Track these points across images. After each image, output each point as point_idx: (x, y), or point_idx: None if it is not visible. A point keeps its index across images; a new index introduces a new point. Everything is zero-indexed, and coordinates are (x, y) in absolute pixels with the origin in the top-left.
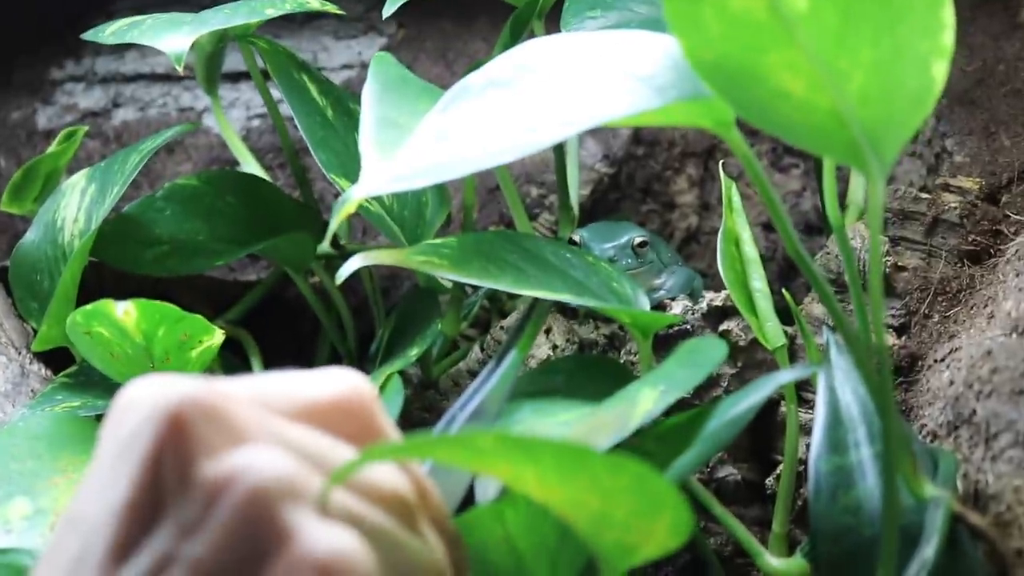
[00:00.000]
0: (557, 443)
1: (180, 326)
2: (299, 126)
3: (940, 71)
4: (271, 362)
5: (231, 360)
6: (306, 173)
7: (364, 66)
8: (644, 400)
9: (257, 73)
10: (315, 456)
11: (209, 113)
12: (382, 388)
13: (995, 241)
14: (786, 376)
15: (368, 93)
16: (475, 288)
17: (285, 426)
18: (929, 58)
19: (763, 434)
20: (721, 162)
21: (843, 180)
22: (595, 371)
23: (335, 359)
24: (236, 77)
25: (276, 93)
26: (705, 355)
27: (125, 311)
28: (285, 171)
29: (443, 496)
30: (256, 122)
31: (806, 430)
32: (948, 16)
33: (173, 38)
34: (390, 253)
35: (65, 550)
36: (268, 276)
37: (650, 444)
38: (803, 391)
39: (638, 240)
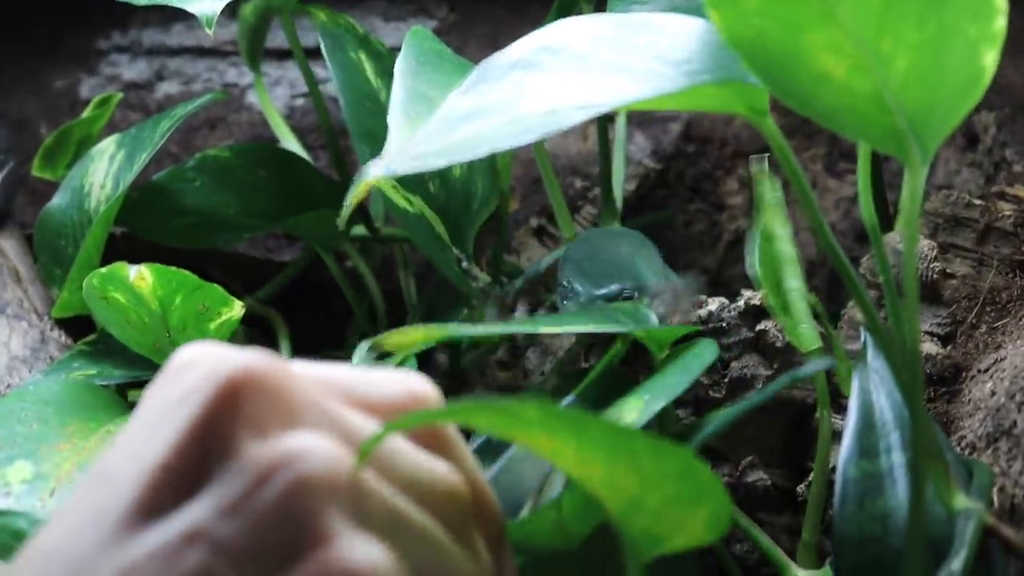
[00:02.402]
0: (603, 420)
1: (197, 295)
2: (344, 113)
3: (990, 60)
4: (300, 345)
5: (259, 341)
6: (345, 156)
7: None
8: (629, 412)
9: (299, 48)
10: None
11: (253, 90)
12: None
13: None
14: (805, 369)
15: (401, 66)
16: (510, 280)
17: (346, 415)
18: (979, 44)
19: (797, 440)
20: (753, 158)
21: (897, 187)
22: (598, 385)
23: None
24: (283, 55)
25: (321, 72)
26: (694, 360)
27: (139, 274)
28: (327, 153)
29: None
30: (300, 101)
31: (839, 437)
32: (1001, 1)
33: (205, 2)
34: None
35: (88, 500)
36: (300, 256)
37: None
38: (839, 397)
39: (626, 294)
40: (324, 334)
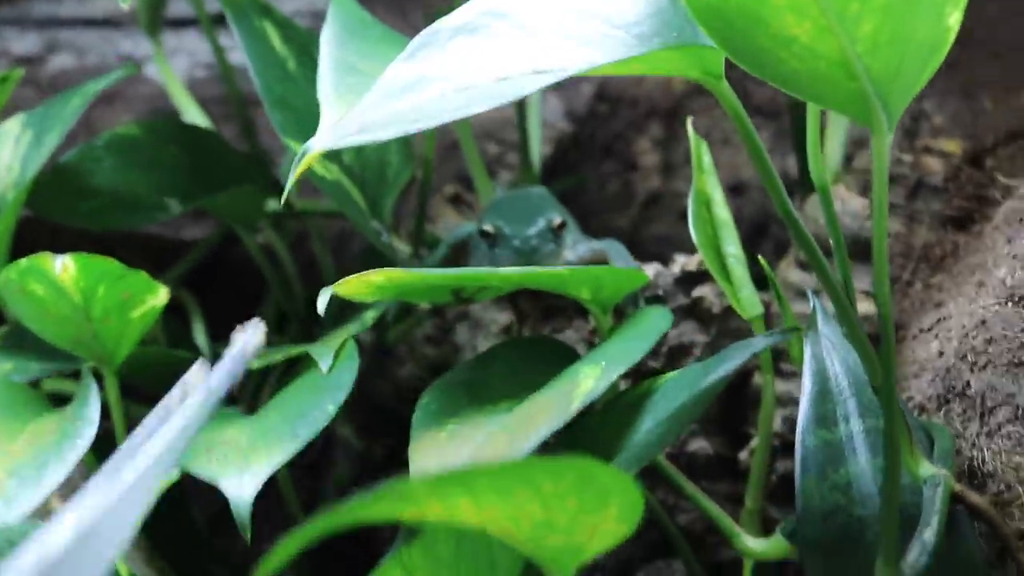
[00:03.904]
0: (488, 466)
1: (122, 284)
2: (255, 81)
3: (955, 20)
4: (214, 323)
5: (172, 323)
6: (254, 127)
7: (316, 15)
8: (585, 379)
9: (205, 16)
10: None
11: (151, 61)
12: (336, 354)
13: (980, 206)
14: (761, 342)
15: (327, 36)
16: (431, 252)
17: None
18: (944, 5)
19: (735, 406)
20: (690, 120)
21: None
22: (536, 354)
23: (281, 321)
24: (180, 23)
25: (224, 41)
26: (649, 325)
27: (64, 266)
28: (231, 125)
29: None
30: (201, 72)
31: (782, 402)
32: None
33: None
34: None
35: None
36: (212, 234)
37: (609, 417)
38: (780, 361)
39: (557, 221)
40: (237, 312)
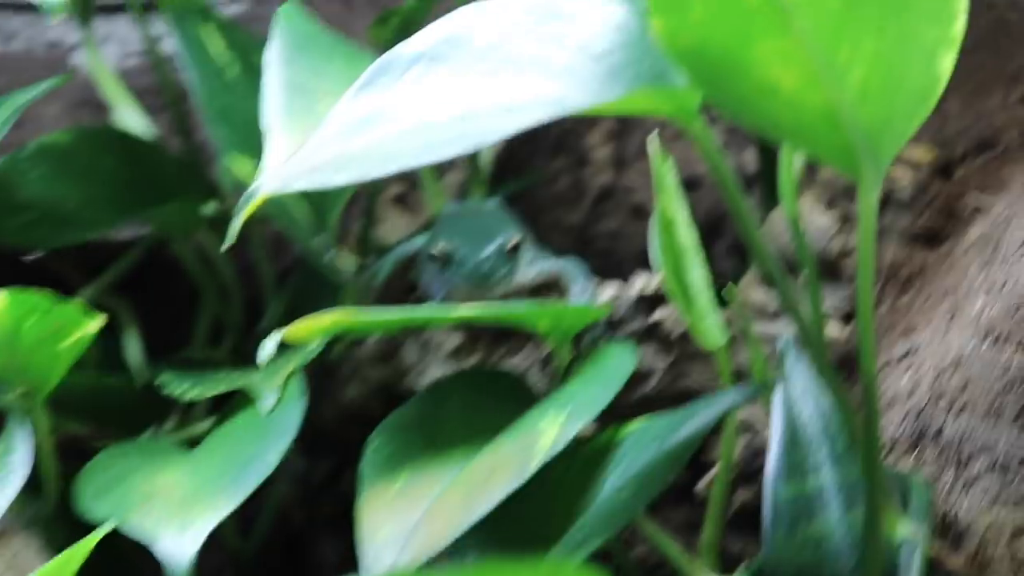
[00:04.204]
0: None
1: (51, 316)
2: (196, 92)
3: (946, 64)
4: (148, 330)
5: (104, 330)
6: (188, 119)
7: (256, 1)
8: (547, 430)
9: (137, 3)
10: None
11: (80, 49)
12: (283, 389)
13: (950, 222)
14: (731, 398)
15: (274, 53)
16: (377, 260)
17: None
18: (937, 49)
19: None
20: (649, 137)
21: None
22: (492, 390)
23: (217, 330)
24: (112, 9)
25: (158, 28)
26: (612, 368)
27: None
28: (165, 115)
29: None
30: (133, 60)
31: (744, 427)
32: (961, 1)
33: None
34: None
35: None
36: (145, 236)
37: (569, 473)
38: (742, 380)
39: (512, 242)
40: (171, 318)
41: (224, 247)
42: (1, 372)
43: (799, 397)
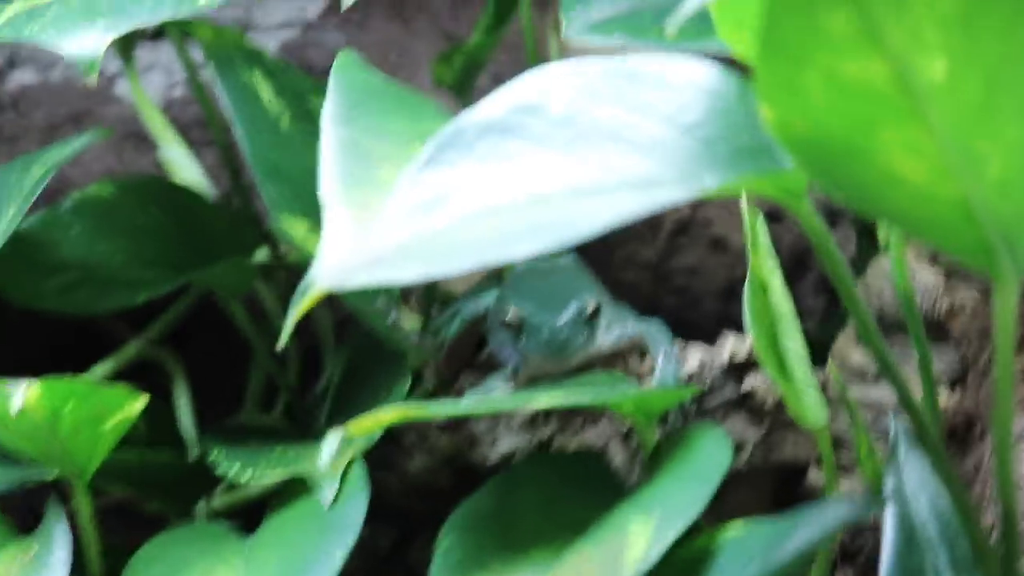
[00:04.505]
0: None
1: (91, 402)
2: (244, 147)
3: None
4: (197, 384)
5: (154, 385)
6: (237, 156)
7: (307, 26)
8: (635, 539)
9: (177, 33)
10: None
11: (122, 78)
12: (343, 478)
13: None
14: (841, 514)
15: (330, 110)
16: (443, 315)
17: None
18: None
19: (787, 506)
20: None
21: None
22: (571, 476)
23: (271, 390)
24: (156, 35)
25: (199, 54)
26: (707, 462)
27: (27, 397)
28: (213, 150)
29: None
30: (180, 91)
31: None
32: None
33: (84, 37)
34: None
35: None
36: (192, 288)
37: None
38: (842, 450)
39: (591, 307)
40: (222, 372)
41: (278, 345)
42: (41, 458)
43: (914, 494)
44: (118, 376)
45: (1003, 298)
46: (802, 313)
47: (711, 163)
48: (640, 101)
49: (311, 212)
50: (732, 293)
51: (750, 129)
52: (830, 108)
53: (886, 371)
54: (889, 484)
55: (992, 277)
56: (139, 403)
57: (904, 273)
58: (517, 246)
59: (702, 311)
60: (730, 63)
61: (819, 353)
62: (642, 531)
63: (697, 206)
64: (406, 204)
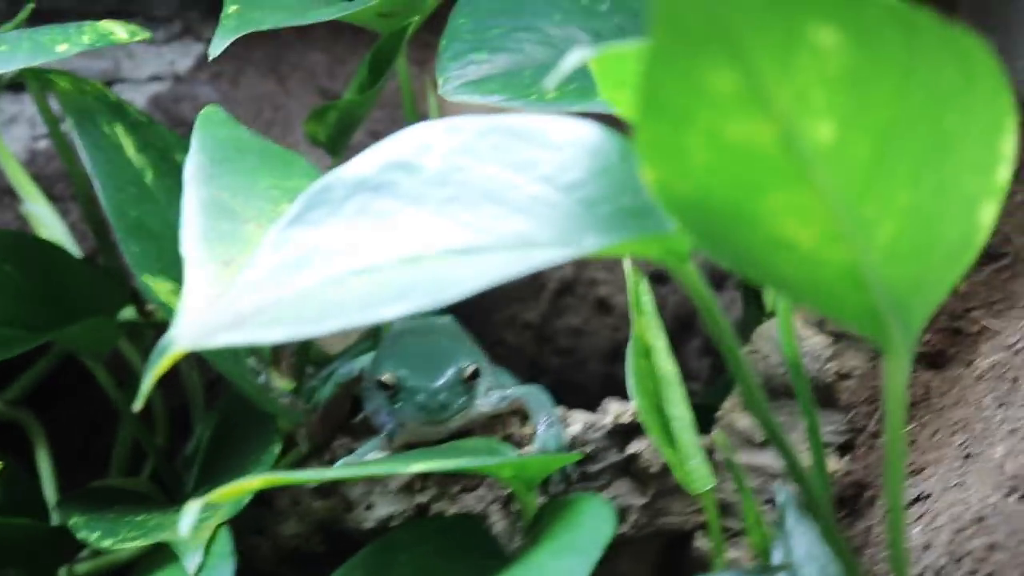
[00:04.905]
0: None
1: None
2: (105, 205)
3: (987, 216)
4: (63, 449)
5: (13, 449)
6: (101, 211)
7: (177, 79)
8: None
9: (36, 85)
10: None
11: None
12: (208, 546)
13: (955, 343)
14: None
15: (192, 168)
16: (316, 376)
17: None
18: (978, 200)
19: (672, 574)
20: (627, 259)
21: None
22: (449, 545)
23: (138, 454)
24: (19, 87)
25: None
26: (588, 533)
27: None
28: (78, 203)
29: None
30: (43, 143)
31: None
32: (1008, 145)
33: None
34: None
35: None
36: (54, 348)
37: None
38: (729, 515)
39: (469, 371)
40: (88, 434)
41: (135, 407)
42: None
43: (801, 563)
44: None
45: (893, 366)
46: (688, 376)
47: (592, 224)
48: (519, 159)
49: (176, 271)
50: (617, 355)
51: (633, 190)
52: (714, 170)
53: (773, 438)
54: (777, 555)
55: (881, 346)
56: None
57: (791, 338)
58: (385, 307)
59: (587, 373)
60: (614, 123)
61: (705, 417)
62: None
63: (581, 266)
64: (270, 263)
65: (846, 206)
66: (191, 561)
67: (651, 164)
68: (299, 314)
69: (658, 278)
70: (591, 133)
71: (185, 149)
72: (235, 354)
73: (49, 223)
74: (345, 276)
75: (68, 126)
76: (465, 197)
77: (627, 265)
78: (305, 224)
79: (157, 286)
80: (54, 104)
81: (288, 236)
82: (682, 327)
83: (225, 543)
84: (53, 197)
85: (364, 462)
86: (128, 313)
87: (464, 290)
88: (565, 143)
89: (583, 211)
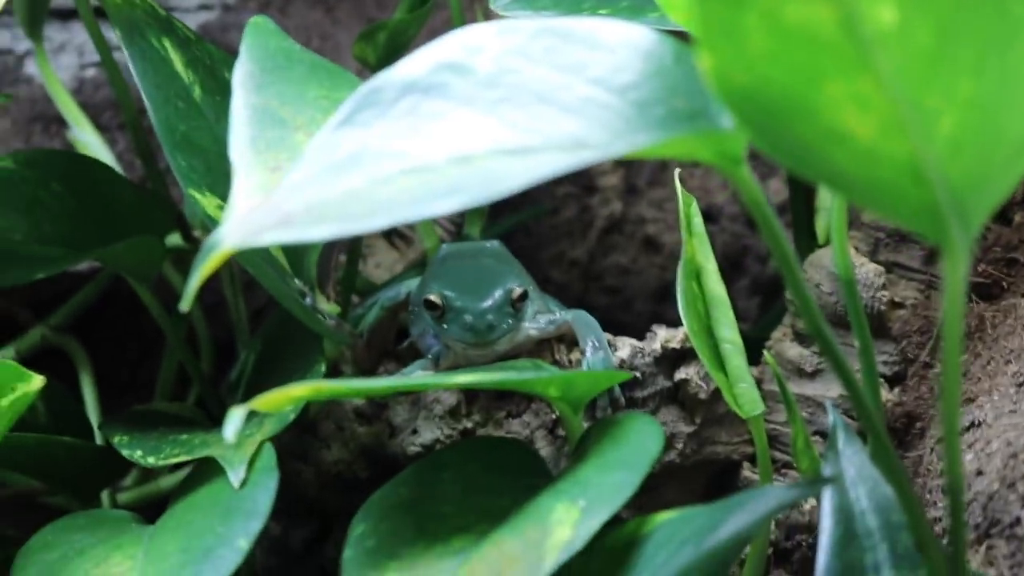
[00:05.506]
0: None
1: None
2: (152, 117)
3: None
4: (106, 373)
5: (59, 374)
6: (151, 139)
7: (226, 7)
8: (559, 525)
9: (87, 10)
10: None
11: (32, 58)
12: (251, 461)
13: (1009, 272)
14: (776, 498)
15: (240, 76)
16: (363, 303)
17: None
18: None
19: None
20: (676, 173)
21: None
22: (493, 463)
23: (182, 377)
24: (68, 14)
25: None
26: (635, 449)
27: None
28: (126, 133)
29: None
30: (92, 72)
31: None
32: None
33: None
34: None
35: None
36: (101, 273)
37: (588, 572)
38: (777, 446)
39: (517, 292)
40: (132, 361)
41: (183, 307)
42: None
43: (852, 483)
44: (21, 364)
45: (952, 266)
46: (737, 316)
47: (644, 125)
48: (572, 61)
49: (223, 187)
50: (665, 294)
51: (687, 92)
52: (772, 56)
53: (829, 355)
54: (827, 472)
55: (940, 244)
56: (38, 381)
57: (847, 261)
58: (437, 202)
59: (634, 312)
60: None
61: (755, 350)
62: (566, 520)
63: (630, 203)
64: (319, 164)
65: (907, 95)
66: (235, 475)
67: (709, 50)
68: (347, 211)
69: (707, 216)
70: (644, 35)
71: (232, 68)
72: (282, 274)
73: (96, 150)
74: (394, 175)
75: (121, 57)
76: (516, 98)
77: (678, 186)
78: (354, 125)
79: (204, 200)
80: (107, 32)
81: (337, 137)
82: (731, 266)
83: (269, 458)
84: (100, 127)
85: (409, 376)
86: (174, 240)
87: (515, 184)
88: (618, 45)
89: (635, 113)
